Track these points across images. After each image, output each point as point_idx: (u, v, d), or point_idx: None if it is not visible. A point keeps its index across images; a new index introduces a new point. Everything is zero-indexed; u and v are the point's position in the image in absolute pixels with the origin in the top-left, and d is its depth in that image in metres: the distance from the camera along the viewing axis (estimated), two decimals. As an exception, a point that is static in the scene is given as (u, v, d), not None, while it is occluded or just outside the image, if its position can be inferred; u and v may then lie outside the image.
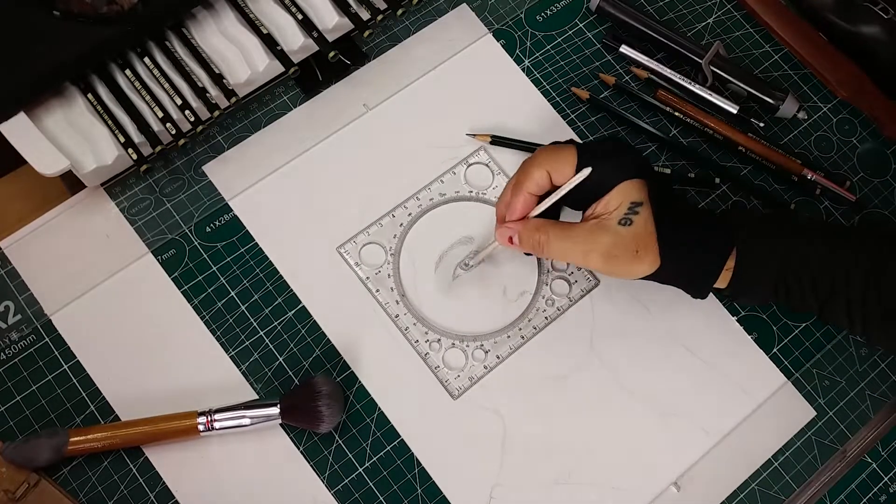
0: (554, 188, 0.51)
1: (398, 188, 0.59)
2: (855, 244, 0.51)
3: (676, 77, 0.63)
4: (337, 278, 0.57)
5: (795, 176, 0.61)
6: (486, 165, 0.60)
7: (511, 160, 0.60)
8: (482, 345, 0.56)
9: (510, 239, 0.51)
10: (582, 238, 0.49)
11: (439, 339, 0.55)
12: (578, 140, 0.61)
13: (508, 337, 0.56)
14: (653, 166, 0.58)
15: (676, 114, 0.62)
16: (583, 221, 0.51)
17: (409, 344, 0.55)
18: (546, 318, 0.57)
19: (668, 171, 0.61)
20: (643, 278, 0.51)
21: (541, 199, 0.51)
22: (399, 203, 0.59)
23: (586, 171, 0.49)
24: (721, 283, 0.52)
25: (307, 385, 0.52)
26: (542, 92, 0.63)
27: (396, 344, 0.55)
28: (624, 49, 0.63)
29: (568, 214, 0.55)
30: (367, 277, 0.56)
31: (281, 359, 0.55)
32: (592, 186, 0.50)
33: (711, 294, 0.58)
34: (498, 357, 0.56)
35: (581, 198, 0.51)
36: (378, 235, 0.58)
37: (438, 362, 0.55)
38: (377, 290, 0.56)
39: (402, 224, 0.58)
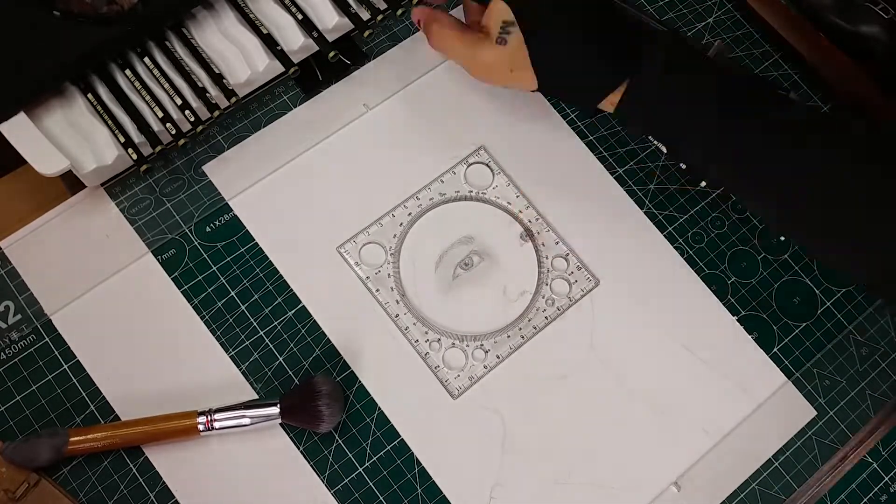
0: None
1: (398, 188, 0.59)
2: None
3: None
4: (337, 278, 0.57)
5: None
6: (487, 165, 0.60)
7: (512, 160, 0.60)
8: (482, 344, 0.56)
9: (419, 21, 0.56)
10: (468, 44, 0.53)
11: (439, 339, 0.55)
12: (575, 136, 0.61)
13: (508, 337, 0.56)
14: None
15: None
16: (475, 29, 0.53)
17: (409, 344, 0.55)
18: (546, 317, 0.57)
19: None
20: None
21: None
22: (399, 203, 0.59)
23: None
24: (611, 104, 0.51)
25: (307, 385, 0.52)
26: (542, 92, 0.63)
27: (396, 344, 0.55)
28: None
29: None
30: (367, 277, 0.57)
31: (281, 359, 0.55)
32: None
33: (712, 294, 0.58)
34: (498, 357, 0.56)
35: None
36: (378, 235, 0.58)
37: (438, 362, 0.55)
38: (377, 290, 0.56)
39: (402, 224, 0.58)
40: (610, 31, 0.51)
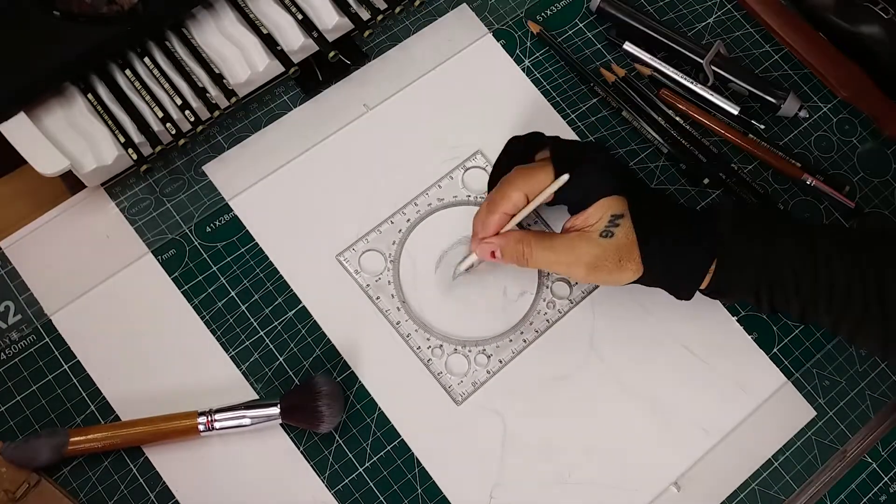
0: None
1: (398, 189, 0.59)
2: (836, 246, 0.51)
3: (678, 76, 0.63)
4: (337, 278, 0.57)
5: (794, 182, 0.61)
6: (484, 170, 0.60)
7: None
8: (484, 349, 0.56)
9: (492, 254, 0.53)
10: (565, 249, 0.51)
11: (441, 345, 0.55)
12: (575, 137, 0.61)
13: (510, 340, 0.56)
14: (630, 170, 0.60)
15: (678, 118, 0.62)
16: (563, 233, 0.52)
17: (411, 351, 0.55)
18: (547, 320, 0.57)
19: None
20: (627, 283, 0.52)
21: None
22: (397, 209, 0.58)
23: (564, 178, 0.50)
24: (703, 283, 0.52)
25: (307, 385, 0.52)
26: (542, 92, 0.63)
27: (399, 351, 0.55)
28: (627, 46, 0.63)
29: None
30: (368, 285, 0.56)
31: (281, 359, 0.55)
32: (572, 199, 0.51)
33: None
34: (501, 361, 0.56)
35: (564, 201, 0.52)
36: (377, 242, 0.58)
37: (441, 368, 0.55)
38: (377, 298, 0.56)
39: (400, 230, 0.58)
40: (688, 216, 0.53)
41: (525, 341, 0.56)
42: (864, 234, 0.54)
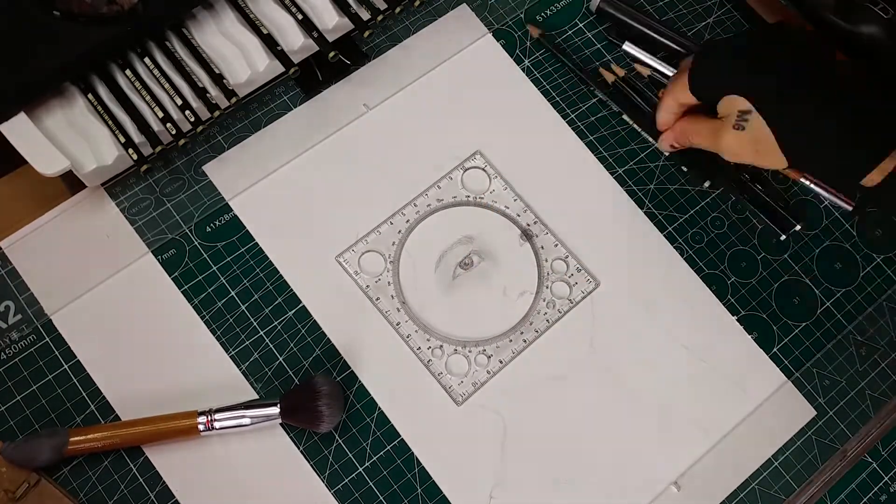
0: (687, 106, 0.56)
1: (398, 188, 0.59)
2: None
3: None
4: (337, 278, 0.57)
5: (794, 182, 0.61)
6: (483, 170, 0.60)
7: (507, 165, 0.60)
8: (484, 350, 0.56)
9: (671, 146, 0.58)
10: (709, 135, 0.54)
11: (441, 346, 0.55)
12: (575, 136, 0.61)
13: (510, 341, 0.56)
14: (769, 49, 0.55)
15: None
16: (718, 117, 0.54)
17: (411, 352, 0.55)
18: (547, 320, 0.57)
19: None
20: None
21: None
22: (397, 210, 0.58)
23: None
24: (876, 178, 0.50)
25: (307, 385, 0.52)
26: (541, 92, 0.63)
27: (399, 351, 0.55)
28: (627, 46, 0.63)
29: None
30: (368, 286, 0.56)
31: (281, 358, 0.55)
32: (705, 97, 0.54)
33: (712, 294, 0.58)
34: (501, 361, 0.56)
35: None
36: (377, 243, 0.58)
37: (441, 369, 0.55)
38: (377, 299, 0.56)
39: (400, 231, 0.58)
40: (866, 101, 0.50)
41: (525, 341, 0.56)
42: None
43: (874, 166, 0.49)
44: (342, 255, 0.57)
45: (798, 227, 0.60)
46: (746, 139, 0.52)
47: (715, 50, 0.54)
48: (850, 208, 0.60)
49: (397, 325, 0.56)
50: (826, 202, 0.62)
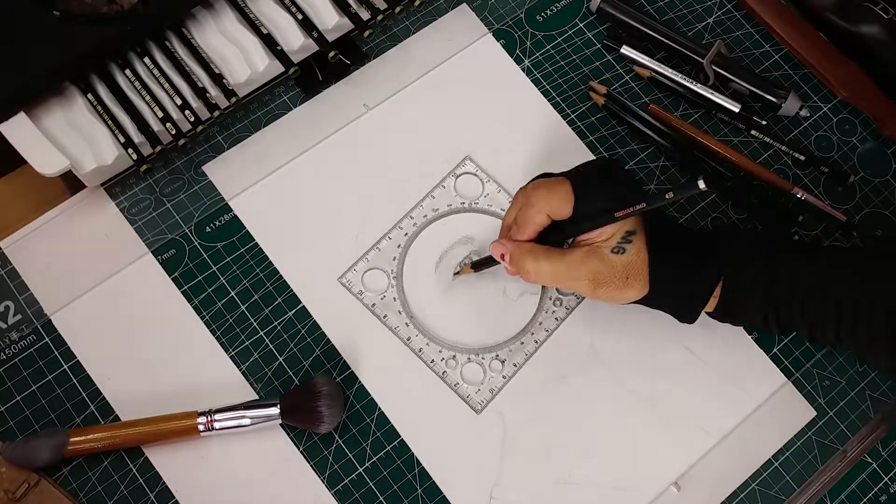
0: (554, 225, 0.51)
1: (398, 188, 0.59)
2: (840, 266, 0.51)
3: (678, 76, 0.63)
4: (337, 277, 0.57)
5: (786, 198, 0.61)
6: (475, 175, 0.60)
7: (500, 168, 0.60)
8: (497, 355, 0.56)
9: (502, 256, 0.52)
10: (573, 263, 0.50)
11: (454, 356, 0.55)
12: (574, 137, 0.61)
13: (522, 343, 0.56)
14: (642, 188, 0.59)
15: (666, 129, 0.62)
16: (573, 247, 0.52)
17: (425, 365, 0.55)
18: (556, 318, 0.57)
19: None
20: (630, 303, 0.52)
21: (542, 234, 0.52)
22: (394, 224, 0.58)
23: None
24: (708, 307, 0.53)
25: (307, 385, 0.52)
26: (542, 92, 0.63)
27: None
28: (625, 50, 0.63)
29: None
30: (374, 304, 0.56)
31: (281, 359, 0.55)
32: (588, 213, 0.50)
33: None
34: (515, 365, 0.55)
35: (571, 228, 0.51)
36: (378, 260, 0.57)
37: (458, 379, 0.55)
38: (385, 316, 0.56)
39: (399, 245, 0.58)
40: (693, 237, 0.53)
41: (537, 342, 0.56)
42: (868, 251, 0.53)
43: (710, 296, 0.51)
44: (344, 276, 0.57)
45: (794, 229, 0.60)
46: (620, 264, 0.49)
47: (612, 170, 0.52)
48: (843, 219, 0.60)
49: (408, 339, 0.55)
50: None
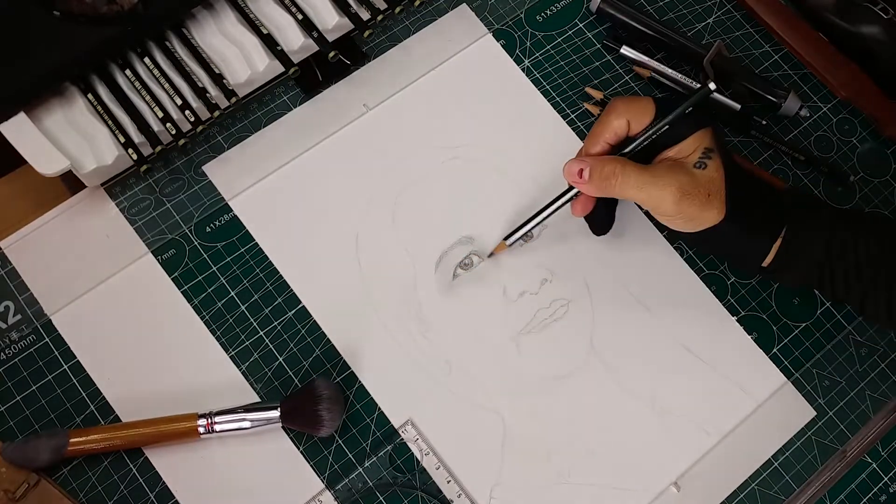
0: (628, 140, 0.51)
1: (398, 188, 0.59)
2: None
3: (678, 76, 0.63)
4: (337, 278, 0.57)
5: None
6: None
7: (499, 168, 0.60)
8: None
9: (580, 172, 0.50)
10: (659, 173, 0.49)
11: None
12: (574, 137, 0.61)
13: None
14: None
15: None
16: (655, 163, 0.51)
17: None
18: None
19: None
20: (699, 236, 0.51)
21: (615, 149, 0.51)
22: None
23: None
24: (767, 260, 0.52)
25: (307, 388, 0.52)
26: (542, 92, 0.63)
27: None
28: (625, 50, 0.63)
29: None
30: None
31: (281, 359, 0.55)
32: (667, 134, 0.50)
33: (712, 294, 0.58)
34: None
35: (651, 149, 0.51)
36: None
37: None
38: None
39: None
40: (759, 184, 0.53)
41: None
42: None
43: (778, 237, 0.51)
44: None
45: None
46: (704, 179, 0.49)
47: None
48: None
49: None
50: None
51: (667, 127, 0.50)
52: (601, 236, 0.57)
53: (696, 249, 0.52)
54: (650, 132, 0.50)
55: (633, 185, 0.49)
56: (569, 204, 0.54)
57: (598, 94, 0.63)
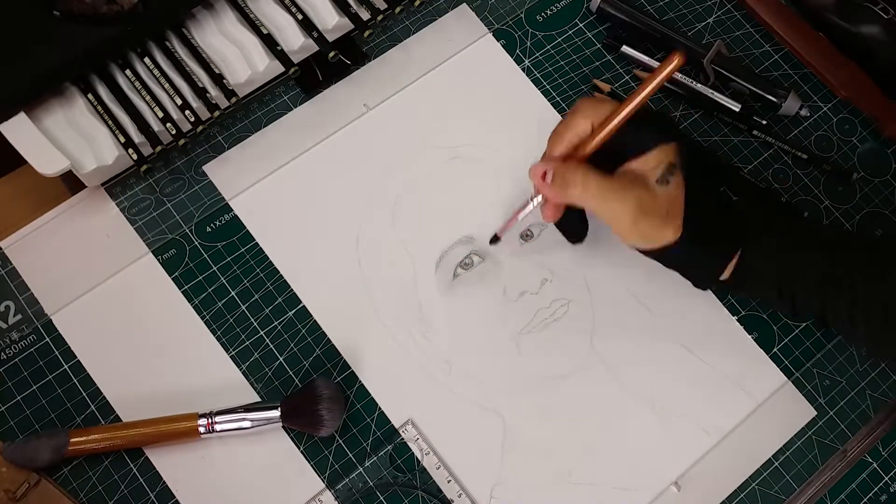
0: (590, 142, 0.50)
1: (398, 188, 0.59)
2: (855, 253, 0.51)
3: (678, 76, 0.63)
4: (337, 278, 0.57)
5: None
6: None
7: (499, 168, 0.60)
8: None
9: (543, 175, 0.49)
10: (621, 184, 0.48)
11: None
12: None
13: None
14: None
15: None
16: (618, 173, 0.50)
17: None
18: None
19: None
20: (653, 252, 0.50)
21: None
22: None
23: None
24: (726, 273, 0.51)
25: (308, 388, 0.52)
26: (542, 92, 0.63)
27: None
28: (625, 49, 0.63)
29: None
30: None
31: (281, 359, 0.55)
32: (633, 140, 0.49)
33: (712, 295, 0.58)
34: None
35: (616, 159, 0.50)
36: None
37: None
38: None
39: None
40: (717, 199, 0.53)
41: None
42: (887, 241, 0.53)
43: (733, 257, 0.51)
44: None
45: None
46: (664, 196, 0.48)
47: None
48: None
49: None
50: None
51: (630, 129, 0.48)
52: (576, 243, 0.56)
53: (654, 260, 0.52)
54: (611, 125, 0.48)
55: (593, 195, 0.48)
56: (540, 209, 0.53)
57: (606, 87, 0.63)
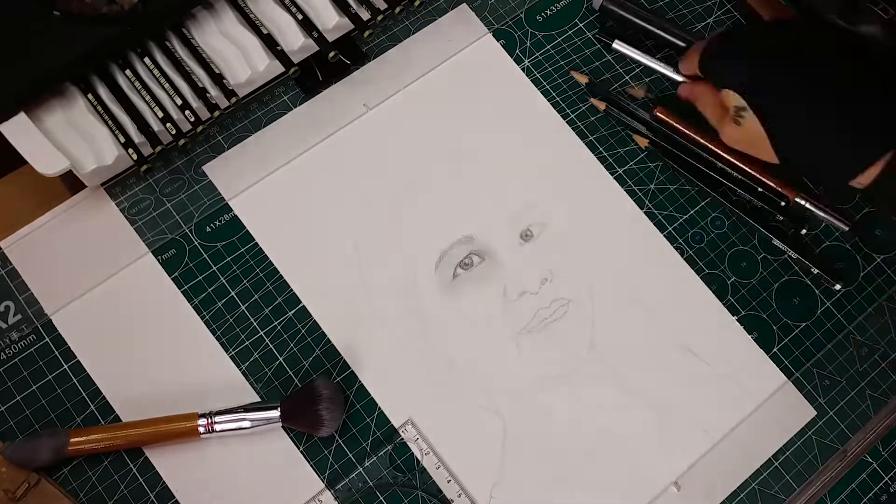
0: None
1: (398, 189, 0.59)
2: None
3: (677, 76, 0.62)
4: (337, 278, 0.57)
5: (789, 201, 0.60)
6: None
7: (499, 168, 0.60)
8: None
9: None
10: (714, 116, 0.56)
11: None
12: (574, 137, 0.61)
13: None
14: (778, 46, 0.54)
15: (672, 133, 0.62)
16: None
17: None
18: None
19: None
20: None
21: None
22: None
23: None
24: (867, 179, 0.49)
25: (307, 388, 0.52)
26: (542, 92, 0.63)
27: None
28: (617, 45, 0.63)
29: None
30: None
31: (281, 359, 0.55)
32: (713, 78, 0.55)
33: (712, 294, 0.58)
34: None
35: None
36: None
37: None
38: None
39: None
40: (865, 103, 0.49)
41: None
42: None
43: (864, 169, 0.49)
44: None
45: (804, 231, 0.60)
46: (742, 135, 0.53)
47: (726, 39, 0.56)
48: (846, 228, 0.60)
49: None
50: (824, 224, 0.61)
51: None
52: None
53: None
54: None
55: (711, 117, 0.57)
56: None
57: (583, 79, 0.63)
